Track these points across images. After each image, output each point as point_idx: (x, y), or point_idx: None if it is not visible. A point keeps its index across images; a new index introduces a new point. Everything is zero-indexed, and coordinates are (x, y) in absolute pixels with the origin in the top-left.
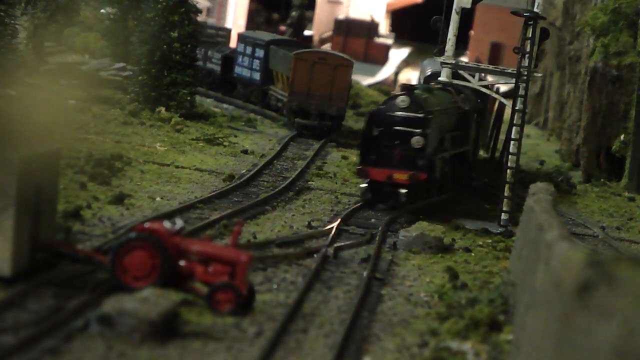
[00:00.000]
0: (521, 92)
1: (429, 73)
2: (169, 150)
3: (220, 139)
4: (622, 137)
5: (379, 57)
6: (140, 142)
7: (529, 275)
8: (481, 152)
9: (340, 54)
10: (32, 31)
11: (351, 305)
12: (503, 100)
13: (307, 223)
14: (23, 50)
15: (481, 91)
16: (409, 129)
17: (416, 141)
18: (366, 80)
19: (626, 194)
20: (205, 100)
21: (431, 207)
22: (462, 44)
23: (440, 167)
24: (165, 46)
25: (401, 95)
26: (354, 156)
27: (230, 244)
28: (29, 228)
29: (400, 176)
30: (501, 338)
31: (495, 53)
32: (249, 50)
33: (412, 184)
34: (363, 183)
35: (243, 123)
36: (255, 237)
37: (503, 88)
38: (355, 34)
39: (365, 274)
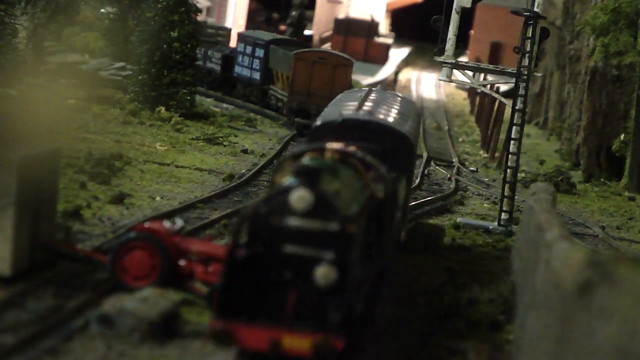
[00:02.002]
0: (521, 91)
1: (319, 124)
2: (169, 149)
3: (220, 139)
4: (622, 136)
5: (379, 56)
6: (140, 142)
7: (529, 275)
8: (481, 152)
9: (341, 54)
10: (32, 31)
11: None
12: (503, 100)
13: None
14: (23, 49)
15: (398, 154)
16: (311, 252)
17: (324, 275)
18: (366, 80)
19: (626, 193)
20: (205, 100)
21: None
22: (462, 43)
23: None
24: (165, 46)
25: (297, 185)
26: None
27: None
28: (29, 228)
29: (296, 342)
30: (501, 338)
31: (495, 53)
32: (249, 49)
33: (320, 356)
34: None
35: (243, 123)
36: None
37: (503, 88)
38: (356, 34)
39: None
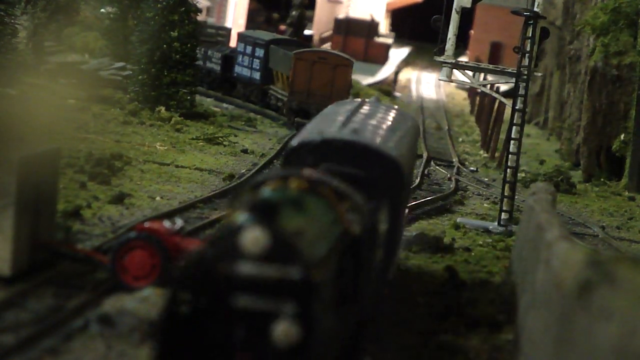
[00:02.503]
0: (521, 91)
1: (295, 144)
2: (169, 149)
3: (220, 139)
4: (622, 136)
5: (379, 56)
6: (140, 142)
7: (529, 275)
8: (481, 152)
9: (341, 54)
10: (32, 30)
11: None
12: (503, 99)
13: None
14: (23, 49)
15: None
16: (268, 305)
17: (284, 333)
18: (366, 80)
19: (626, 193)
20: (205, 100)
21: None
22: (462, 43)
23: None
24: (165, 46)
25: (250, 224)
26: None
27: None
28: (29, 227)
29: None
30: (501, 338)
31: (495, 52)
32: (249, 49)
33: None
34: None
35: (243, 122)
36: None
37: (503, 87)
38: (355, 34)
39: None
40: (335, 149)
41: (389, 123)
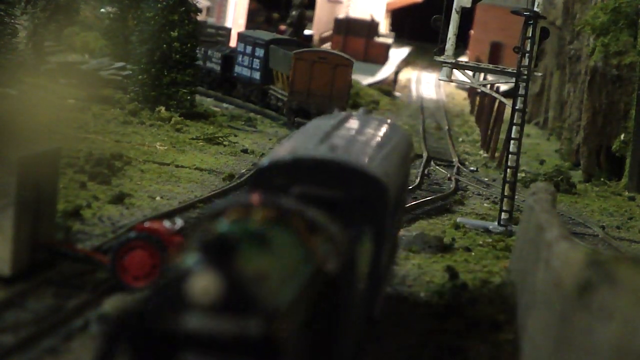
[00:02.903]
0: (521, 91)
1: (264, 164)
2: (169, 149)
3: (220, 139)
4: (622, 136)
5: (379, 56)
6: (140, 142)
7: (529, 274)
8: (481, 152)
9: (341, 53)
10: (32, 30)
11: None
12: (503, 99)
13: None
14: (23, 49)
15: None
16: None
17: None
18: (366, 80)
19: (626, 193)
20: (205, 100)
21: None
22: (462, 43)
23: None
24: (165, 45)
25: (200, 267)
26: None
27: None
28: (29, 227)
29: None
30: (501, 338)
31: (495, 52)
32: (249, 49)
33: None
34: None
35: (243, 122)
36: None
37: (503, 87)
38: (355, 34)
39: None
40: (309, 169)
41: (377, 138)
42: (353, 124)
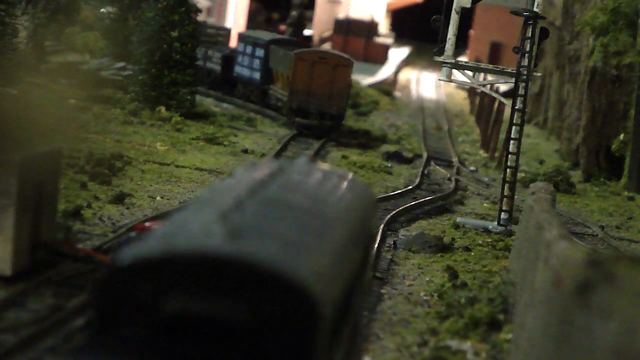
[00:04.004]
0: (521, 91)
1: (122, 262)
2: (169, 149)
3: (220, 139)
4: (621, 136)
5: (379, 56)
6: (141, 142)
7: (529, 274)
8: (481, 152)
9: (341, 54)
10: (33, 30)
11: None
12: (503, 99)
13: None
14: (23, 49)
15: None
16: None
17: None
18: (366, 80)
19: (626, 193)
20: (206, 100)
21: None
22: (462, 43)
23: None
24: (165, 46)
25: None
26: (354, 155)
27: None
28: (30, 227)
29: None
30: (501, 337)
31: (495, 52)
32: (249, 49)
33: None
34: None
35: (243, 122)
36: None
37: (503, 87)
38: (355, 34)
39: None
40: (193, 271)
41: (316, 209)
42: (284, 183)
